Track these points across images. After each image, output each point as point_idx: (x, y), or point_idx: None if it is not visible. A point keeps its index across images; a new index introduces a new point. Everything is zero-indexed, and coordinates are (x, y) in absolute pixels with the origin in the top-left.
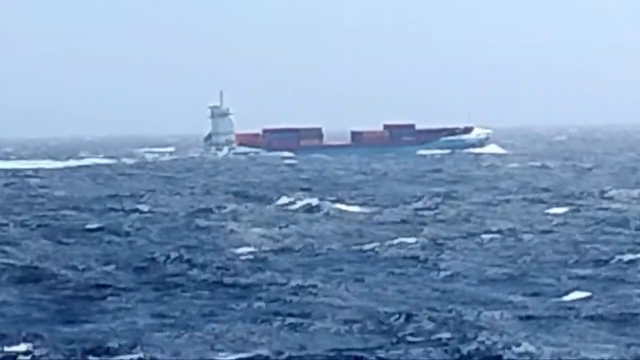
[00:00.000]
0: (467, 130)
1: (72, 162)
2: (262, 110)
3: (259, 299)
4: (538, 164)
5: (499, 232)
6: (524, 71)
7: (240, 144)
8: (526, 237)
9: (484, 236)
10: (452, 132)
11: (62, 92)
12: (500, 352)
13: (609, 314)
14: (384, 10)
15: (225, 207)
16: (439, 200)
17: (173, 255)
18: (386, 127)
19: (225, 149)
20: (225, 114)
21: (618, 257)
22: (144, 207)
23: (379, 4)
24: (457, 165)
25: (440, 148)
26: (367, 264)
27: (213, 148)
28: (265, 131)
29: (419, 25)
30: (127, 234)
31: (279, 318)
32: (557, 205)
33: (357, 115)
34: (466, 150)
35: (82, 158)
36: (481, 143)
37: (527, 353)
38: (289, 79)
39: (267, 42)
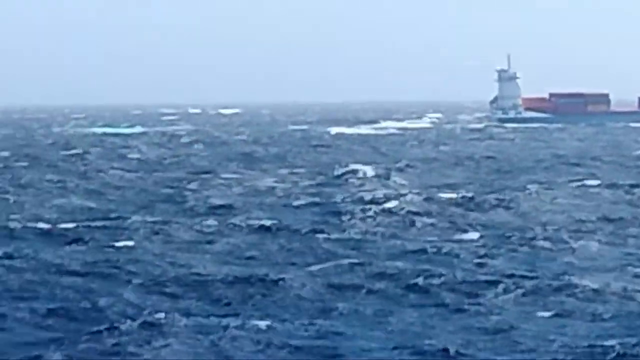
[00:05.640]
0: None
1: None
2: (548, 76)
3: None
4: None
5: None
6: None
7: (527, 109)
8: None
9: None
10: None
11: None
12: None
13: None
14: None
15: None
16: None
17: None
18: None
19: (512, 113)
20: (512, 78)
21: None
22: None
23: None
24: None
25: None
26: None
27: (499, 112)
28: (551, 95)
29: None
30: None
31: None
32: None
33: None
34: None
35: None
36: None
37: None
38: (577, 45)
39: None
